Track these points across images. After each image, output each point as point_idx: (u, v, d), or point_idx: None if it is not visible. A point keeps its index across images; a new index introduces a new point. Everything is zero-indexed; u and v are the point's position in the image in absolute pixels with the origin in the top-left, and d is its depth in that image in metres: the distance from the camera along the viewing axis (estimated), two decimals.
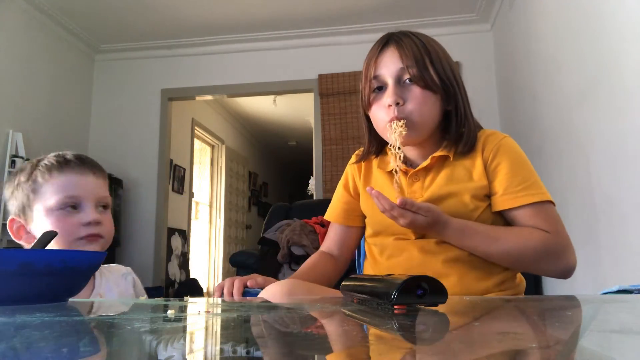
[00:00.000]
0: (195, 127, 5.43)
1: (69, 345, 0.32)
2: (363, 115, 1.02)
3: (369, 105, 0.96)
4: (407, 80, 0.90)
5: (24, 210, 0.95)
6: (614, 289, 0.65)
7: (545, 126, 2.70)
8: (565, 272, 0.86)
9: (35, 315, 0.45)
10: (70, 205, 0.94)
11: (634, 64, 1.71)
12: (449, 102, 0.92)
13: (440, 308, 0.47)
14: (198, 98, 4.59)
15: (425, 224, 0.82)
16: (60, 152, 0.99)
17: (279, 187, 9.43)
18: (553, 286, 2.74)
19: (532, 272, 0.89)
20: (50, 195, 0.93)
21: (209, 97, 4.68)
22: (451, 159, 0.92)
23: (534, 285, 2.83)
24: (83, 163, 0.99)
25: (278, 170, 9.39)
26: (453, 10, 3.75)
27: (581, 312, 0.48)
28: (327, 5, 3.73)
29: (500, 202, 0.89)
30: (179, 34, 4.14)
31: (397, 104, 0.89)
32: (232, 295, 0.84)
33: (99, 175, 1.01)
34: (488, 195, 0.91)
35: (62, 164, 0.96)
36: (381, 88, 0.93)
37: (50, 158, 0.98)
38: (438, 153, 0.92)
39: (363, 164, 1.05)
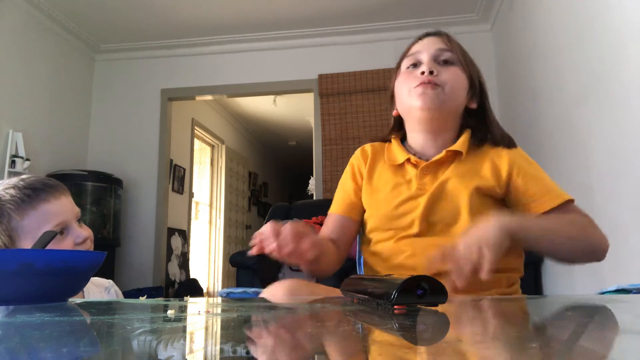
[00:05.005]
0: (195, 127, 5.43)
1: (69, 345, 0.32)
2: (390, 101, 1.06)
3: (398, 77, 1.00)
4: (444, 62, 0.94)
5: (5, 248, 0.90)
6: (613, 288, 0.65)
7: (546, 126, 2.70)
8: (604, 253, 0.85)
9: (35, 315, 0.45)
10: (59, 232, 0.93)
11: (634, 64, 1.71)
12: (474, 99, 0.97)
13: (441, 308, 0.47)
14: (198, 98, 4.59)
15: (476, 252, 0.71)
16: (17, 183, 0.93)
17: (279, 187, 9.43)
18: (553, 286, 2.74)
19: (579, 260, 0.89)
20: (35, 230, 0.89)
21: (209, 97, 4.68)
22: (463, 156, 0.93)
23: (534, 285, 2.83)
24: (51, 187, 0.94)
25: (278, 170, 9.39)
26: (453, 10, 3.75)
27: (581, 312, 0.48)
28: (327, 5, 3.73)
29: (537, 206, 0.90)
30: (179, 34, 4.14)
31: (432, 72, 0.91)
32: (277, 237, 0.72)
33: (66, 192, 0.98)
34: (492, 196, 0.92)
35: (32, 196, 0.91)
36: (415, 65, 0.97)
37: (12, 192, 0.91)
38: (453, 147, 0.93)
39: (369, 156, 1.04)
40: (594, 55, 2.02)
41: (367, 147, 1.07)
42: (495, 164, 0.93)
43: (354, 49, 4.00)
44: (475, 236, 0.73)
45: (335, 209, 1.04)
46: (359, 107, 3.96)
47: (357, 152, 1.08)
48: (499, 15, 3.59)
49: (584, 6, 2.10)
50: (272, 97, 5.53)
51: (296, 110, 6.16)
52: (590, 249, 0.86)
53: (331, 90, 4.03)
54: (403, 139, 1.05)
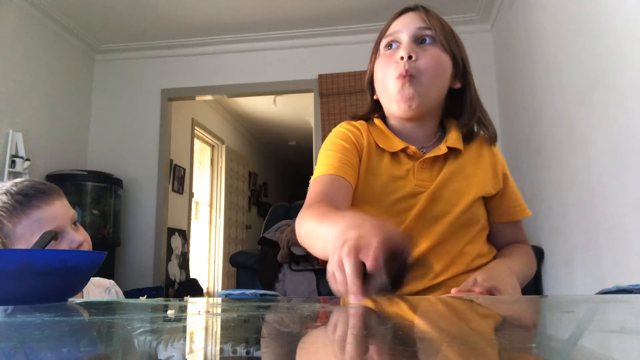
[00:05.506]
0: (195, 127, 5.43)
1: (69, 345, 0.32)
2: (367, 84, 0.99)
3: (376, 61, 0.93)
4: (425, 40, 0.88)
5: None
6: (612, 288, 0.65)
7: (545, 126, 2.70)
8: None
9: (35, 315, 0.45)
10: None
11: (633, 64, 1.71)
12: (457, 79, 0.92)
13: (440, 308, 0.47)
14: (198, 98, 4.59)
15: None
16: (9, 189, 0.90)
17: (279, 187, 9.43)
18: (553, 286, 2.74)
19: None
20: (27, 237, 0.87)
21: (209, 97, 4.68)
22: (462, 152, 0.90)
23: (534, 285, 2.83)
24: (43, 193, 0.92)
25: (278, 170, 9.39)
26: (453, 10, 3.75)
27: (581, 312, 0.48)
28: (327, 5, 3.73)
29: (514, 213, 0.94)
30: (179, 34, 4.14)
31: (410, 57, 0.84)
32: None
33: (60, 196, 0.96)
34: (484, 196, 0.92)
35: (24, 203, 0.89)
36: (392, 46, 0.90)
37: (4, 198, 0.89)
38: (451, 144, 0.89)
39: (363, 133, 0.93)
40: (594, 55, 2.02)
41: (355, 123, 0.96)
42: (494, 167, 0.93)
43: (354, 49, 4.00)
44: (499, 278, 0.77)
45: (327, 170, 0.85)
46: (359, 107, 3.95)
47: (347, 124, 0.95)
48: (499, 15, 3.59)
49: (584, 6, 2.10)
50: (272, 97, 5.54)
51: (296, 110, 6.16)
52: (532, 275, 0.92)
53: (331, 90, 4.03)
54: (383, 119, 0.98)
